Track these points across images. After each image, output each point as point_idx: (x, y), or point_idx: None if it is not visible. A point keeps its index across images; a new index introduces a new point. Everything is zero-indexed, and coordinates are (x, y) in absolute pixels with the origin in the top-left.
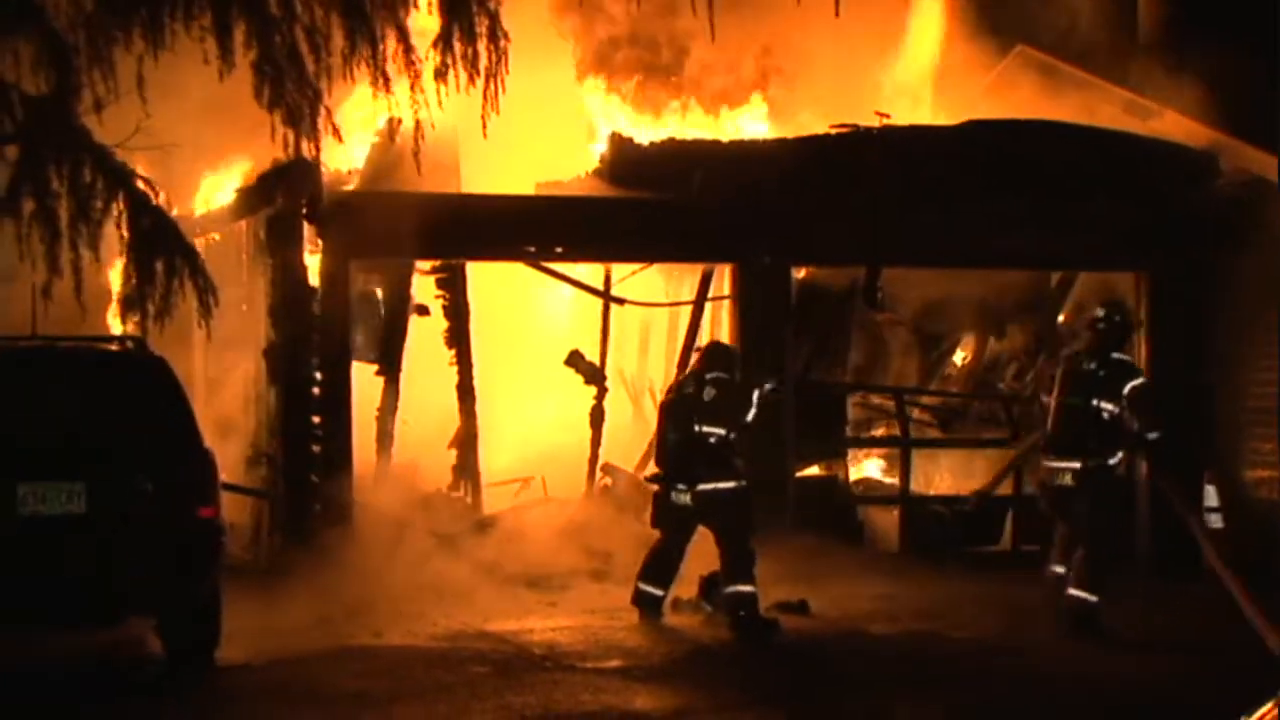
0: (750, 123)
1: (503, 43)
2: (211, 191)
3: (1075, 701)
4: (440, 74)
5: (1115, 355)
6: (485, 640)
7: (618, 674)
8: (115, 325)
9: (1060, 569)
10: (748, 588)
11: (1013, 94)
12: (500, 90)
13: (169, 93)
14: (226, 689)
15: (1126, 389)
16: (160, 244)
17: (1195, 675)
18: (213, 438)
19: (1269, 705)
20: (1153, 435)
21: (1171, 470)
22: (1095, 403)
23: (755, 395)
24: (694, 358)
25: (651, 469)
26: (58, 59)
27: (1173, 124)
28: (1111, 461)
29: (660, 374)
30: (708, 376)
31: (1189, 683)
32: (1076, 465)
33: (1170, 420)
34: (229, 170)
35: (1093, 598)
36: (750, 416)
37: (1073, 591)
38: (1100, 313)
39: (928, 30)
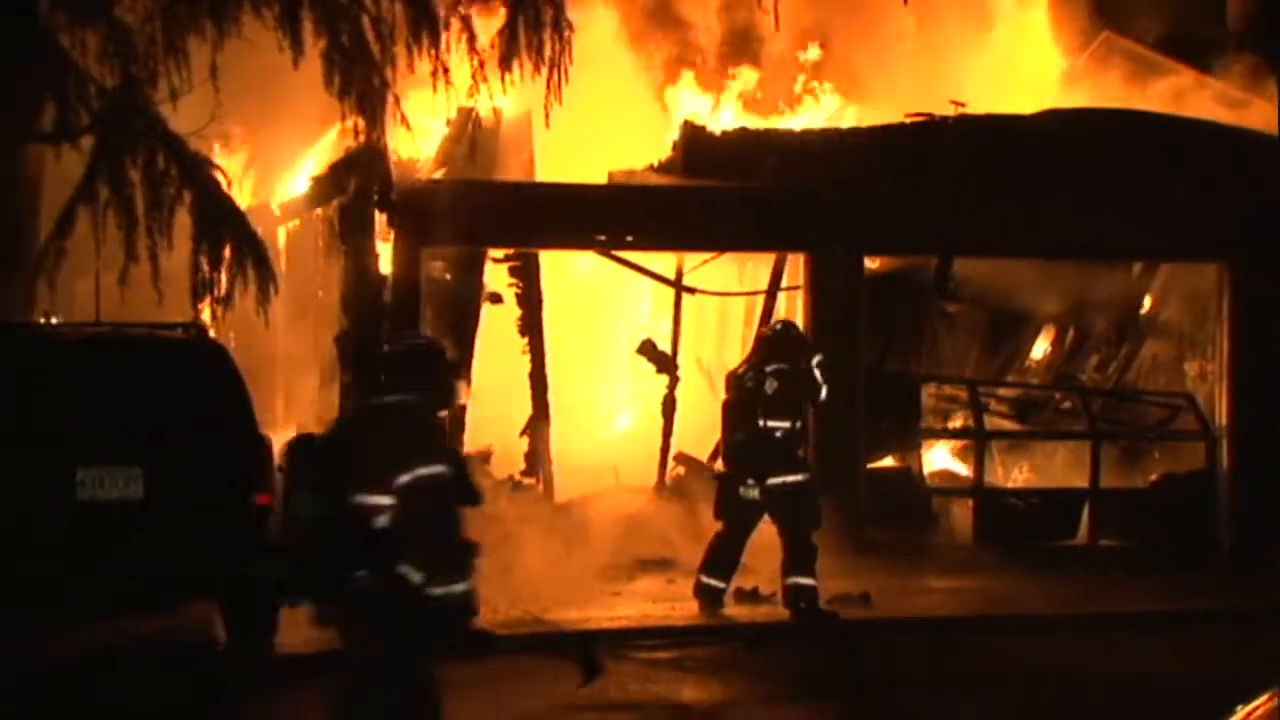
0: (823, 110)
1: (567, 33)
2: (291, 180)
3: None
4: (504, 63)
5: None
6: (543, 627)
7: (669, 664)
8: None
9: None
10: (808, 580)
11: (1097, 82)
12: (564, 80)
13: (249, 82)
14: (285, 673)
15: None
16: (227, 231)
17: None
18: (287, 421)
19: (1266, 695)
20: None
21: None
22: None
23: (818, 374)
24: (752, 345)
25: (719, 467)
26: (127, 49)
27: (1261, 114)
28: None
29: (737, 362)
30: (767, 369)
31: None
32: None
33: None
34: (309, 159)
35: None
36: (824, 394)
37: None
38: None
39: (1010, 17)
